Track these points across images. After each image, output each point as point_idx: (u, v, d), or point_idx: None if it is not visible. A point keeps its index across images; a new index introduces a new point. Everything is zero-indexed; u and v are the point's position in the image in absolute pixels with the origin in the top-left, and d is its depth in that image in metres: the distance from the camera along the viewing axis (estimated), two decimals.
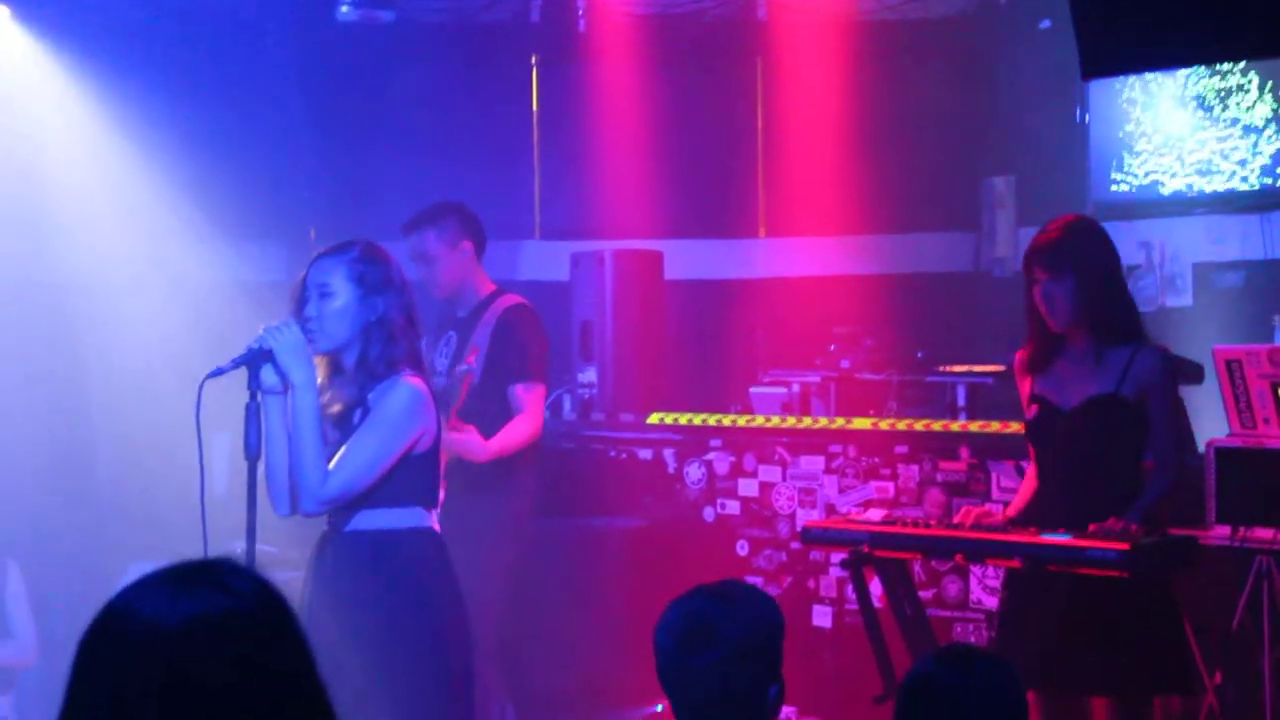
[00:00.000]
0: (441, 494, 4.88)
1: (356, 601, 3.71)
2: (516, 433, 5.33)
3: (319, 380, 3.81)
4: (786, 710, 5.21)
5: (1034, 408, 4.33)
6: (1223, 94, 6.00)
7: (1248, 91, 5.95)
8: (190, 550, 1.68)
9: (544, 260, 7.23)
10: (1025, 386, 4.38)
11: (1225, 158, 5.96)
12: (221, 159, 6.42)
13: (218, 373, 3.69)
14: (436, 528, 3.97)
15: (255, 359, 3.71)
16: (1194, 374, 5.05)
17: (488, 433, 5.22)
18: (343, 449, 3.78)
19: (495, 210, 5.93)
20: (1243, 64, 5.87)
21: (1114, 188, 6.26)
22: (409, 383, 3.84)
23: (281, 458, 3.78)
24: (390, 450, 3.79)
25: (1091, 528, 3.98)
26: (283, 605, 1.64)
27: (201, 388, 3.61)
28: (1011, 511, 4.37)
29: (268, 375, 3.73)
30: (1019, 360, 4.40)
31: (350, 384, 3.86)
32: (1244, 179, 5.91)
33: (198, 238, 6.39)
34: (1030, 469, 4.45)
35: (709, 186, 7.39)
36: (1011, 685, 2.68)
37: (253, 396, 3.73)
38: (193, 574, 1.62)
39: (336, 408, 3.84)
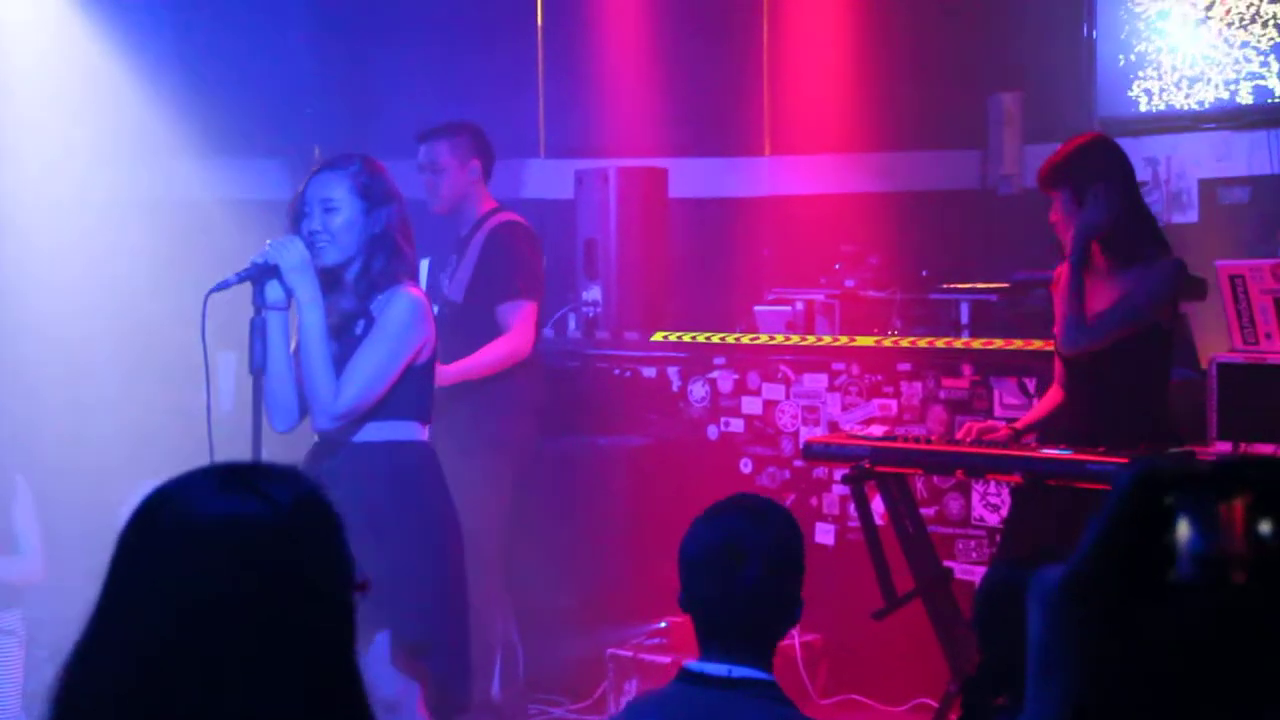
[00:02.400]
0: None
1: (354, 512, 3.71)
2: (489, 353, 5.27)
3: None
4: None
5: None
6: (1232, 10, 5.94)
7: (1254, 7, 5.89)
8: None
9: (549, 178, 7.20)
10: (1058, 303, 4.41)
11: (1234, 74, 5.91)
12: (222, 76, 6.38)
13: (222, 286, 3.71)
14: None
15: (260, 274, 3.73)
16: (1198, 290, 5.05)
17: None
18: (350, 361, 3.79)
19: (500, 128, 5.90)
20: None
21: (1121, 105, 6.22)
22: (411, 293, 3.85)
23: (281, 374, 3.79)
24: (399, 359, 3.80)
25: None
26: (323, 520, 1.62)
27: (206, 301, 3.62)
28: (1020, 425, 4.38)
29: (272, 290, 3.74)
30: (1056, 276, 4.43)
31: (349, 295, 3.86)
32: (1252, 95, 5.86)
33: (200, 155, 6.37)
34: (1054, 385, 4.47)
35: (714, 104, 7.33)
36: None
37: (257, 311, 3.74)
38: (239, 475, 1.60)
39: (333, 319, 3.83)
